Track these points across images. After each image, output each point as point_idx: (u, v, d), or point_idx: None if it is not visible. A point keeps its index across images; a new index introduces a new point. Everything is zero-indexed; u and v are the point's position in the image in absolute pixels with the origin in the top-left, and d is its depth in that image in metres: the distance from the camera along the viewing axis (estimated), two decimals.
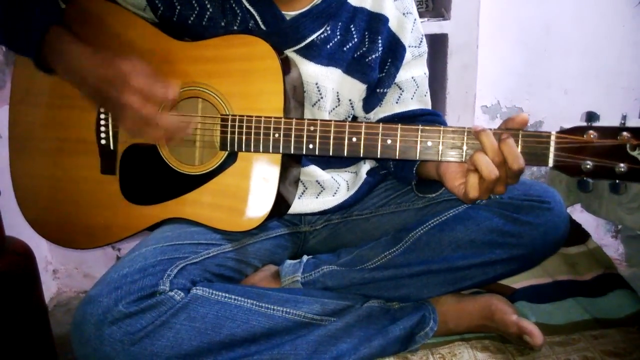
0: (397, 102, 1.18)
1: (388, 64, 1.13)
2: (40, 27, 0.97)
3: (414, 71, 1.17)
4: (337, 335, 1.02)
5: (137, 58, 0.92)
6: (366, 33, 1.10)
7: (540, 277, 1.34)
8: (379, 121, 1.18)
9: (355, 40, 1.09)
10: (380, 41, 1.10)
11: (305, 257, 1.16)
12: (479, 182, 0.86)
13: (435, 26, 1.59)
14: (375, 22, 1.09)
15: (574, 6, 1.69)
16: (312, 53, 1.06)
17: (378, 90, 1.14)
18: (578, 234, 1.45)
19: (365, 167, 1.22)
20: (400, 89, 1.18)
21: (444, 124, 1.19)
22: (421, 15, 1.58)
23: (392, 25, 1.11)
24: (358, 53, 1.10)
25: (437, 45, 1.63)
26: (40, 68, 1.01)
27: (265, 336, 0.97)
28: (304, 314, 1.01)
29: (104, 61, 0.93)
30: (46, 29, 0.97)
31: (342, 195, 1.19)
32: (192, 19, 1.04)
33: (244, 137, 0.98)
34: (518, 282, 1.29)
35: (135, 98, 0.89)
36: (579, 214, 1.68)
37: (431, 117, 1.19)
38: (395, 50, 1.12)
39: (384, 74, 1.13)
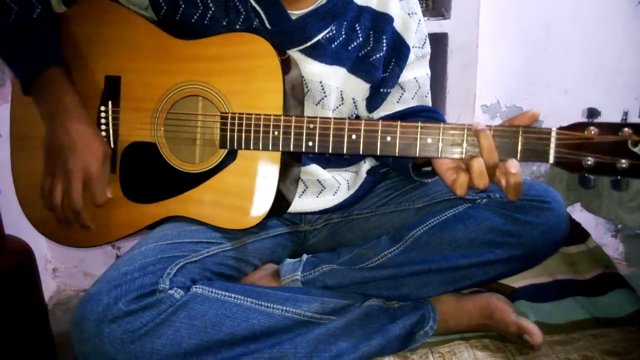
0: (398, 102, 1.18)
1: (392, 64, 1.12)
2: (35, 69, 1.00)
3: (416, 72, 1.18)
4: (336, 334, 1.02)
5: (97, 154, 0.97)
6: (371, 32, 1.09)
7: (540, 276, 1.34)
8: (379, 119, 1.19)
9: (360, 39, 1.09)
10: (384, 41, 1.10)
11: (305, 256, 1.16)
12: (468, 182, 0.88)
13: (435, 25, 1.59)
14: (380, 21, 1.09)
15: (574, 6, 1.69)
16: (317, 52, 1.06)
17: (382, 90, 1.14)
18: (578, 233, 1.45)
19: (366, 166, 1.22)
20: (402, 89, 1.18)
21: (442, 121, 1.19)
22: None
23: (397, 25, 1.11)
24: (362, 52, 1.10)
25: (437, 45, 1.63)
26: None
27: (264, 335, 0.97)
28: (304, 312, 1.01)
29: (58, 141, 0.97)
30: (41, 70, 1.00)
31: (342, 195, 1.19)
32: (195, 18, 1.04)
33: (243, 135, 0.98)
34: (518, 281, 1.29)
35: (71, 186, 0.96)
36: (579, 213, 1.68)
37: (431, 114, 1.19)
38: (399, 51, 1.12)
39: (387, 74, 1.13)
